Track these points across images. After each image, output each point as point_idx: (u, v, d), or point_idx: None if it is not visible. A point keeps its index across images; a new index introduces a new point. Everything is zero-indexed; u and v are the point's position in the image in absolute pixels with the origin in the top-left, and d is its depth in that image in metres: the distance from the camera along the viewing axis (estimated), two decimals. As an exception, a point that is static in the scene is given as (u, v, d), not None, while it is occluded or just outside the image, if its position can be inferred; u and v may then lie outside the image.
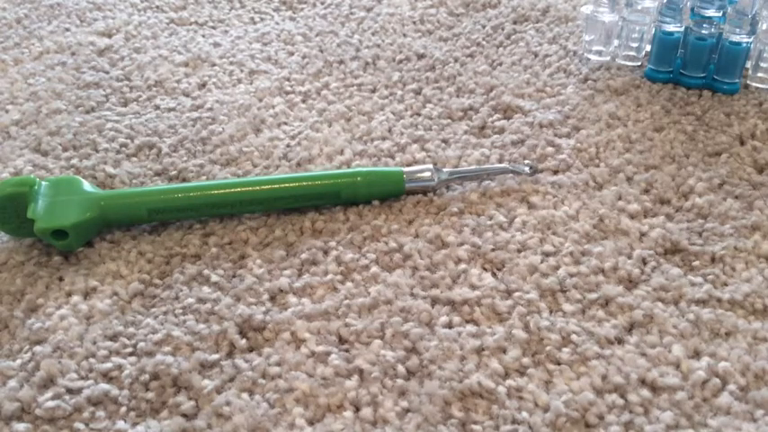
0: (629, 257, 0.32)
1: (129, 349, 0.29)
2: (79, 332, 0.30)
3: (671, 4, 0.41)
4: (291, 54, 0.47)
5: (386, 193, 0.35)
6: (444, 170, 0.36)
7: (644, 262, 0.32)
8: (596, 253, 0.32)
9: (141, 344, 0.29)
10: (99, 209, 0.34)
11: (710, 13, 0.40)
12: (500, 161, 0.38)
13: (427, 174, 0.35)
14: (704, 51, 0.41)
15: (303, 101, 0.43)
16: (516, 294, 0.31)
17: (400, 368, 0.28)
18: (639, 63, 0.44)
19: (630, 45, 0.44)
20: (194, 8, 0.52)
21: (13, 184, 0.33)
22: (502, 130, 0.40)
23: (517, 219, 0.34)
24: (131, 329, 0.30)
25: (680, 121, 0.40)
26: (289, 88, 0.44)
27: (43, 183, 0.34)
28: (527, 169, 0.36)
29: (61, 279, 0.33)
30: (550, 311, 0.30)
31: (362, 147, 0.39)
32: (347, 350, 0.29)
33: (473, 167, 0.37)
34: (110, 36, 0.49)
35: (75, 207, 0.33)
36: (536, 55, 0.45)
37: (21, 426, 0.27)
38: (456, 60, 0.45)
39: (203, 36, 0.49)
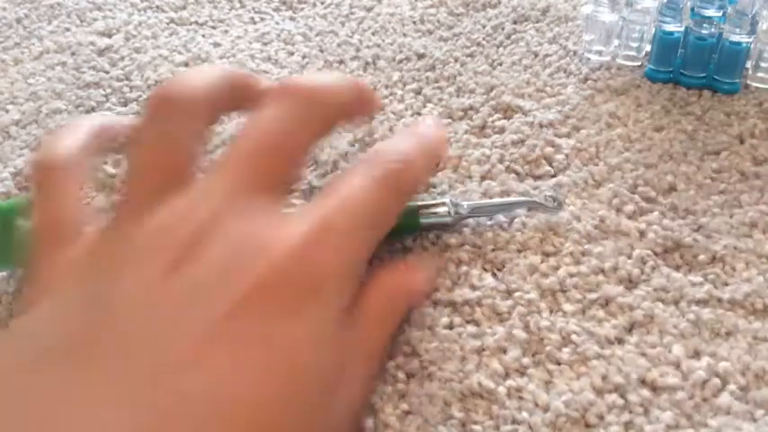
0: (629, 257, 0.32)
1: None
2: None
3: (671, 4, 0.41)
4: (291, 54, 0.47)
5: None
6: (464, 204, 0.33)
7: (643, 262, 0.32)
8: (596, 253, 0.32)
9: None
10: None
11: (710, 12, 0.40)
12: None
13: (443, 209, 0.33)
14: (704, 51, 0.41)
15: (303, 101, 0.43)
16: (516, 294, 0.31)
17: (400, 375, 0.28)
18: (639, 63, 0.44)
19: (630, 45, 0.44)
20: (194, 8, 0.52)
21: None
22: (502, 130, 0.40)
23: (517, 219, 0.34)
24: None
25: (680, 120, 0.40)
26: (289, 88, 0.44)
27: None
28: (551, 203, 0.34)
29: (62, 279, 0.33)
30: (550, 311, 0.30)
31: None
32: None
33: (496, 201, 0.35)
34: (110, 36, 0.49)
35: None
36: (536, 55, 0.45)
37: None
38: (456, 60, 0.45)
39: (203, 36, 0.49)
